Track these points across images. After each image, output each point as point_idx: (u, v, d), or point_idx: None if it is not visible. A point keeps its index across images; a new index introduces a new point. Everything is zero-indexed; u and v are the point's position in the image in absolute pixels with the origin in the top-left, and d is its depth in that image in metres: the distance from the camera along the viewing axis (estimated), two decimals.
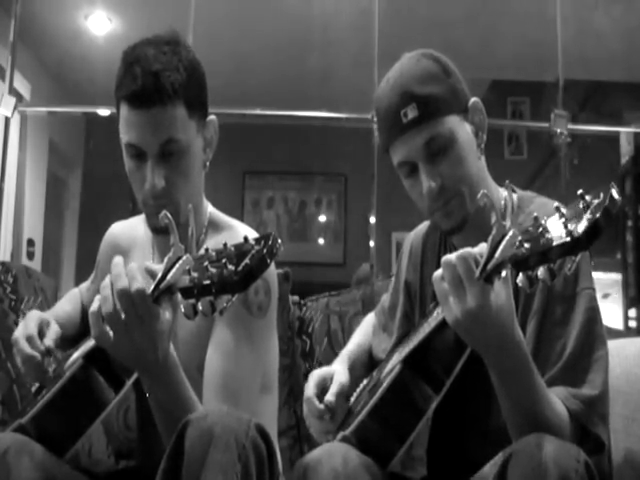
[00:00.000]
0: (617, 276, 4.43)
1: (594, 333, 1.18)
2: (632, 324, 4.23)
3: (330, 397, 1.34)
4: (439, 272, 1.05)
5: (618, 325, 4.17)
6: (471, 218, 1.25)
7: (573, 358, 1.15)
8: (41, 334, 1.37)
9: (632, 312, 4.26)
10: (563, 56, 3.67)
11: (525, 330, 1.20)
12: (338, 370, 1.42)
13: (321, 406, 1.34)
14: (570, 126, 3.52)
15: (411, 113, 1.24)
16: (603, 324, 1.20)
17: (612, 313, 4.26)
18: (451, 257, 1.03)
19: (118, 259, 1.09)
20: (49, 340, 1.35)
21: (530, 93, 5.26)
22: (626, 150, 4.31)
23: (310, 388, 1.38)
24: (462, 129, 1.27)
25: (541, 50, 3.84)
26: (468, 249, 1.04)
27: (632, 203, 4.32)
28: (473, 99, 1.31)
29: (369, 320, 1.64)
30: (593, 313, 1.19)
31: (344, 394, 1.37)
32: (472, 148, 1.28)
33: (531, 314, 1.20)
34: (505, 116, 5.18)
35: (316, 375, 1.41)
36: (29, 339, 1.33)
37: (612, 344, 1.65)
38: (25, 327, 1.36)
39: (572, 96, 3.77)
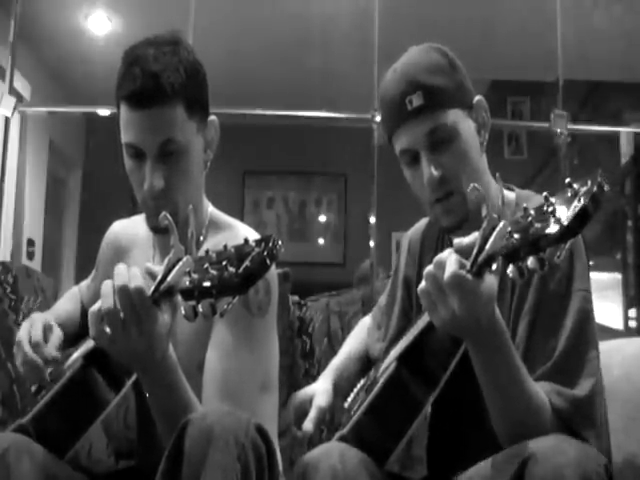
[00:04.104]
0: (617, 276, 4.44)
1: (585, 336, 1.17)
2: (632, 324, 4.23)
3: (308, 425, 1.37)
4: (423, 284, 1.05)
5: (618, 325, 4.17)
6: (471, 216, 1.25)
7: (562, 360, 1.15)
8: (45, 339, 1.36)
9: (632, 312, 4.26)
10: (563, 56, 3.66)
11: (516, 329, 1.20)
12: (319, 391, 1.44)
13: (299, 434, 1.37)
14: (570, 126, 3.52)
15: (416, 101, 1.24)
16: (595, 327, 1.19)
17: (612, 313, 4.26)
18: (430, 267, 1.04)
19: (122, 265, 1.10)
20: (53, 348, 1.34)
21: (530, 93, 5.27)
22: (626, 150, 4.31)
23: (289, 415, 1.43)
24: (465, 124, 1.27)
25: (541, 50, 3.84)
26: (447, 251, 1.04)
27: (632, 203, 4.33)
28: (478, 97, 1.31)
29: (363, 324, 1.64)
30: (585, 315, 1.18)
31: (323, 418, 1.39)
32: (474, 144, 1.29)
33: (523, 313, 1.20)
34: (505, 116, 5.18)
35: (296, 400, 1.44)
36: (35, 345, 1.33)
37: (612, 344, 1.65)
38: (31, 331, 1.35)
39: (572, 96, 3.77)
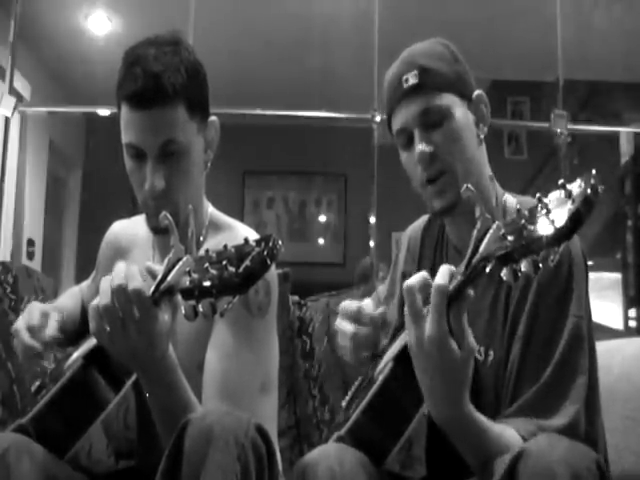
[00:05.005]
0: (617, 276, 4.44)
1: (574, 362, 1.16)
2: (632, 324, 4.23)
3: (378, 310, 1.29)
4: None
5: (618, 325, 4.17)
6: (463, 203, 1.24)
7: (547, 386, 1.14)
8: (42, 325, 1.36)
9: (632, 312, 4.27)
10: (563, 56, 3.67)
11: (510, 348, 1.20)
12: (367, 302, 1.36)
13: (376, 312, 1.28)
14: (570, 126, 3.53)
15: (412, 79, 1.26)
16: (587, 352, 1.18)
17: (612, 313, 4.26)
18: (413, 283, 1.04)
19: (121, 263, 1.10)
20: (52, 329, 1.34)
21: (530, 93, 5.27)
22: (626, 150, 4.31)
23: (346, 303, 1.31)
24: (461, 111, 1.28)
25: (541, 50, 3.84)
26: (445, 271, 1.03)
27: (632, 203, 4.33)
28: (478, 91, 1.32)
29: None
30: (576, 342, 1.17)
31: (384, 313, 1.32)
32: (470, 131, 1.29)
33: (517, 336, 1.19)
34: (505, 116, 5.19)
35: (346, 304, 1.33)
36: (31, 329, 1.32)
37: (612, 344, 1.66)
38: (28, 318, 1.35)
39: (572, 96, 3.77)
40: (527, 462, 0.99)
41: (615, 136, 4.34)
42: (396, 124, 1.30)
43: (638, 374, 1.55)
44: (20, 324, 1.35)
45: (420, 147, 1.26)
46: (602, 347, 1.27)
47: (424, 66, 1.27)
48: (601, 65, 4.44)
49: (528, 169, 5.07)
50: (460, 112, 1.28)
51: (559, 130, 3.49)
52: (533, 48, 4.18)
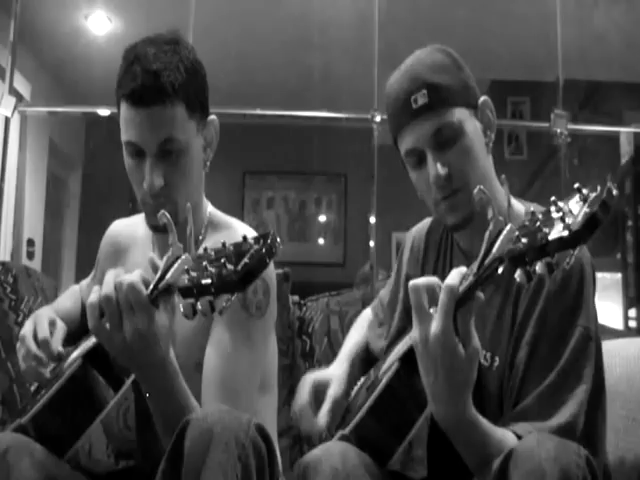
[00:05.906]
0: (617, 276, 4.43)
1: (578, 372, 1.16)
2: (632, 324, 4.23)
3: (322, 418, 1.34)
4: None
5: (618, 325, 4.17)
6: (476, 216, 1.25)
7: (548, 391, 1.15)
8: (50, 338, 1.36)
9: (632, 312, 4.26)
10: (563, 56, 3.66)
11: (516, 352, 1.20)
12: (334, 378, 1.41)
13: (315, 420, 1.34)
14: (570, 126, 3.52)
15: (421, 99, 1.24)
16: (592, 363, 1.18)
17: (612, 313, 4.26)
18: (418, 282, 1.05)
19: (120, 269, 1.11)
20: (58, 344, 1.34)
21: (530, 93, 5.26)
22: (626, 150, 4.31)
23: (304, 394, 1.38)
24: (471, 123, 1.27)
25: (541, 50, 3.84)
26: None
27: (632, 203, 4.32)
28: (483, 97, 1.31)
29: (365, 316, 1.63)
30: (582, 352, 1.17)
31: (338, 408, 1.36)
32: (480, 143, 1.28)
33: (523, 342, 1.20)
34: (505, 116, 5.17)
35: (311, 381, 1.41)
36: (43, 342, 1.32)
37: (612, 344, 1.66)
38: (37, 328, 1.35)
39: (572, 96, 3.77)
40: (517, 462, 0.99)
41: (615, 136, 4.33)
42: (406, 144, 1.28)
43: (639, 374, 1.55)
44: (28, 331, 1.34)
45: (435, 170, 1.23)
46: (603, 347, 1.26)
47: (432, 83, 1.24)
48: (601, 65, 4.43)
49: (528, 169, 5.06)
50: (470, 125, 1.26)
51: (559, 130, 3.48)
52: (533, 48, 4.18)
